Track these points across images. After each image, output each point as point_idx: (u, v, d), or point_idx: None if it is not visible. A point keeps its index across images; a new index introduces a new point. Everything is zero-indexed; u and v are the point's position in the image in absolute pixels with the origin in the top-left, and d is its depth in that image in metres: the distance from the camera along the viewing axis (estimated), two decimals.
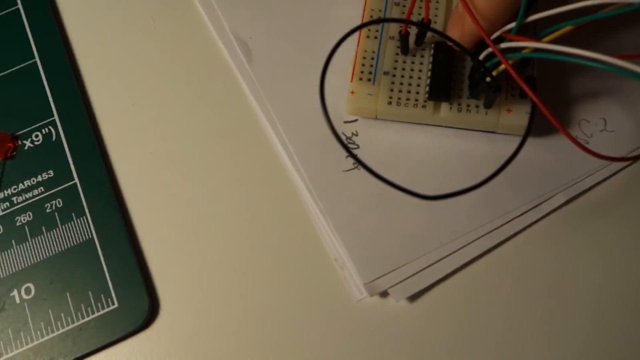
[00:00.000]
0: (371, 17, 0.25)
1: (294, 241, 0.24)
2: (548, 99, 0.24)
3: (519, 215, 0.23)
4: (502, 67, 0.21)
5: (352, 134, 0.25)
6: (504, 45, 0.20)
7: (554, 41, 0.20)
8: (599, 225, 0.23)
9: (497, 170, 0.19)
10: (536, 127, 0.21)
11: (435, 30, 0.22)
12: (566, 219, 0.23)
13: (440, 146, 0.24)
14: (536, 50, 0.20)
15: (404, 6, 0.25)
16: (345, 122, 0.25)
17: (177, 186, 0.25)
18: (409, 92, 0.24)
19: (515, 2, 0.19)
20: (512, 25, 0.20)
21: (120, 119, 0.27)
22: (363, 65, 0.24)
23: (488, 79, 0.21)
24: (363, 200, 0.24)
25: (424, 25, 0.23)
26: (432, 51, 0.24)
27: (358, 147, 0.25)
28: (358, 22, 0.25)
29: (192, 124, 0.26)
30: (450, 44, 0.22)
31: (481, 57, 0.22)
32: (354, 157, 0.19)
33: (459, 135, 0.24)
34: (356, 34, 0.25)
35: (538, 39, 0.20)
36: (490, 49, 0.21)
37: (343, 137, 0.25)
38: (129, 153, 0.26)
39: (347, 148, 0.18)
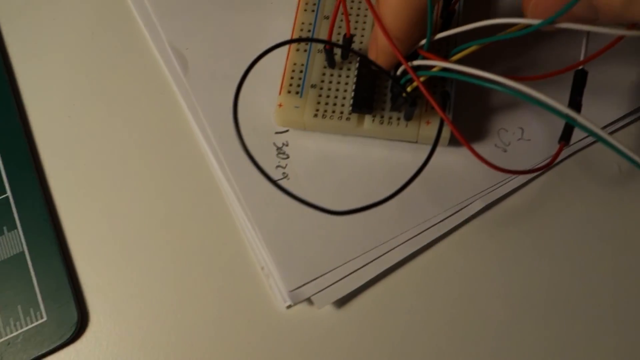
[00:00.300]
0: (301, 30, 0.26)
1: (222, 251, 0.24)
2: (468, 109, 0.25)
3: (439, 222, 0.24)
4: (415, 83, 0.22)
5: (283, 144, 0.26)
6: (416, 62, 0.21)
7: (462, 60, 0.21)
8: (513, 232, 0.24)
9: (404, 184, 0.20)
10: (454, 136, 0.22)
11: (353, 50, 0.22)
12: (484, 226, 0.24)
13: (366, 156, 0.25)
14: (444, 69, 0.20)
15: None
16: (276, 132, 0.26)
17: (110, 199, 0.25)
18: (334, 104, 0.24)
19: (422, 21, 0.20)
20: (424, 41, 0.21)
21: (56, 131, 0.27)
22: (292, 78, 0.25)
23: (404, 94, 0.22)
24: (290, 210, 0.24)
25: (344, 45, 0.24)
26: (357, 65, 0.25)
27: (288, 157, 0.25)
28: (289, 32, 0.26)
29: (126, 136, 0.27)
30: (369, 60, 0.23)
31: (398, 72, 0.22)
32: (263, 172, 0.19)
33: (384, 145, 0.25)
34: (285, 47, 0.26)
35: (449, 56, 0.21)
36: (404, 66, 0.22)
37: (274, 148, 0.26)
38: (63, 165, 0.26)
39: (257, 165, 0.19)
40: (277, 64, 0.27)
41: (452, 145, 0.25)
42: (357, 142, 0.25)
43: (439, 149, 0.25)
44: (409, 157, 0.25)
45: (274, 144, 0.26)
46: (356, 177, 0.25)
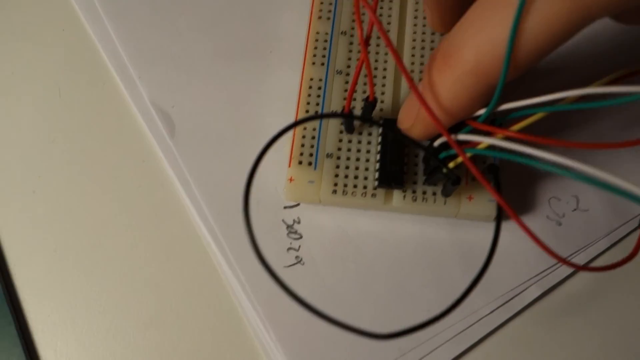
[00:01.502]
0: (310, 87, 0.22)
1: (230, 350, 0.20)
2: (514, 177, 0.22)
3: (488, 314, 0.20)
4: (459, 159, 0.18)
5: (294, 221, 0.22)
6: (462, 137, 0.18)
7: (522, 130, 0.17)
8: (577, 322, 0.20)
9: (465, 291, 0.16)
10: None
11: (377, 122, 0.19)
12: (542, 316, 0.21)
13: (394, 234, 0.21)
14: (494, 147, 0.17)
15: (348, 74, 0.22)
16: (285, 207, 0.22)
17: (87, 289, 0.21)
18: (356, 177, 0.21)
19: (485, 98, 0.16)
20: (481, 111, 0.18)
21: (20, 210, 0.22)
22: (302, 146, 0.21)
23: (445, 170, 0.19)
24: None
25: (365, 114, 0.20)
26: (380, 129, 0.21)
27: (301, 236, 0.22)
28: (295, 87, 0.22)
29: (104, 215, 0.22)
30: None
31: (436, 144, 0.19)
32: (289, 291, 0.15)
33: (414, 220, 0.22)
34: (292, 103, 0.22)
35: (502, 123, 0.18)
36: (444, 139, 0.18)
37: (284, 226, 0.22)
38: (30, 251, 0.22)
39: (279, 280, 0.15)
40: (282, 123, 0.23)
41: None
42: (381, 216, 0.22)
43: (478, 225, 0.21)
44: (445, 234, 0.21)
45: (284, 221, 0.22)
46: (384, 259, 0.21)
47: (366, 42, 0.18)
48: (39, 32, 0.25)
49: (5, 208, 0.22)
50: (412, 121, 0.18)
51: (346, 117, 0.20)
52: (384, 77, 0.22)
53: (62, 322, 0.21)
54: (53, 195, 0.23)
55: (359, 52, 0.22)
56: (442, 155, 0.19)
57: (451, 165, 0.18)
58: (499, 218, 0.17)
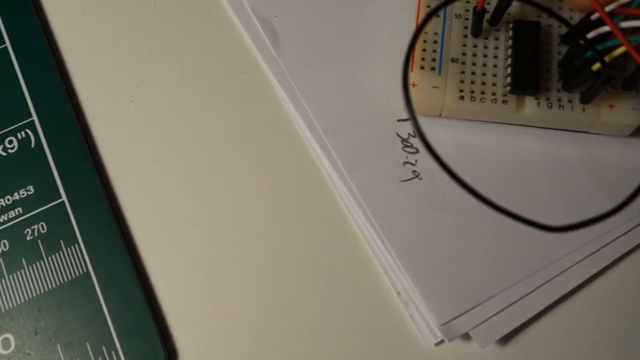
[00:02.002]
0: None
1: (342, 269, 0.19)
2: None
3: (625, 233, 0.19)
4: (618, 51, 0.17)
5: (409, 134, 0.20)
6: (626, 24, 0.16)
7: None
8: None
9: (633, 192, 0.15)
10: None
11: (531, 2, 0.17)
12: None
13: (518, 149, 0.20)
14: None
15: None
16: (398, 120, 0.21)
17: (193, 203, 0.20)
18: (483, 83, 0.19)
19: None
20: None
21: (117, 119, 0.21)
22: (424, 50, 0.20)
23: (597, 66, 0.17)
24: (429, 220, 0.19)
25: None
26: (510, 32, 0.19)
27: (417, 151, 0.20)
28: None
29: (208, 123, 0.21)
30: (548, 16, 0.17)
31: (590, 35, 0.17)
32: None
33: (538, 135, 0.20)
34: (413, 10, 0.20)
35: None
36: (603, 28, 0.16)
37: (398, 139, 0.20)
38: (130, 161, 0.21)
39: (448, 169, 0.14)
40: (394, 31, 0.21)
41: (634, 136, 0.19)
42: (499, 130, 0.20)
43: (609, 141, 0.20)
44: (573, 151, 0.20)
45: (397, 134, 0.20)
46: (507, 174, 0.20)
47: None
48: None
49: (103, 116, 0.21)
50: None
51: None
52: None
53: (165, 232, 0.20)
54: (152, 105, 0.22)
55: None
56: (590, 54, 0.17)
57: (607, 59, 0.17)
58: None
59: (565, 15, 0.20)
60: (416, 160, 0.20)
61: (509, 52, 0.19)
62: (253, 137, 0.21)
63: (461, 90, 0.19)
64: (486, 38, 0.20)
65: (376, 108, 0.21)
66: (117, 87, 0.22)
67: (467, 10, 0.20)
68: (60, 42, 0.23)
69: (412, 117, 0.14)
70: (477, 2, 0.19)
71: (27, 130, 0.21)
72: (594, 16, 0.17)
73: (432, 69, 0.19)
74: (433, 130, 0.20)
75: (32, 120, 0.21)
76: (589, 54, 0.17)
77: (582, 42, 0.17)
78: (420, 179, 0.20)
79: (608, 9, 0.17)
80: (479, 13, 0.19)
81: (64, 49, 0.22)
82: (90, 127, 0.21)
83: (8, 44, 0.22)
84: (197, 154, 0.21)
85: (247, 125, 0.21)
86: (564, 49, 0.19)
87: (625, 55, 0.16)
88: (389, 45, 0.21)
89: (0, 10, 0.23)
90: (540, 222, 0.14)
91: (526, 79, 0.18)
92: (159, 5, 0.23)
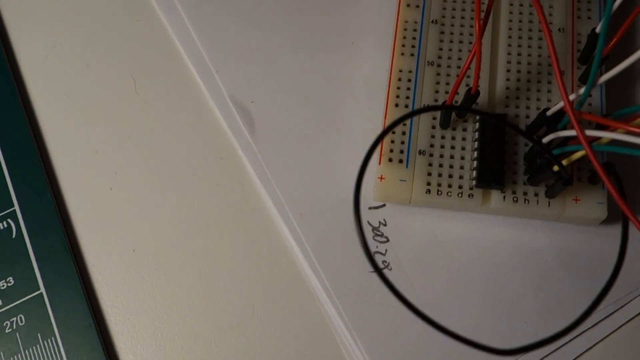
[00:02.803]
0: (399, 79, 0.21)
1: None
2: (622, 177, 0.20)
3: (592, 327, 0.19)
4: (577, 155, 0.17)
5: (380, 223, 0.21)
6: (591, 132, 0.16)
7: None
8: None
9: (593, 302, 0.15)
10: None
11: (487, 114, 0.17)
12: None
13: (488, 237, 0.20)
14: (616, 143, 0.15)
15: (439, 65, 0.21)
16: (370, 207, 0.21)
17: (167, 291, 0.20)
18: (450, 176, 0.19)
19: None
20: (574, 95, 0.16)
21: (96, 207, 0.22)
22: (392, 142, 0.20)
23: (556, 167, 0.17)
24: (398, 312, 0.19)
25: (466, 108, 0.18)
26: (476, 124, 0.20)
27: (387, 240, 0.20)
28: (379, 80, 0.21)
29: (185, 211, 0.22)
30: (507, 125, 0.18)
31: (545, 140, 0.17)
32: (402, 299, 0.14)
33: (510, 223, 0.20)
34: (382, 102, 0.20)
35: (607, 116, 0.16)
36: (562, 133, 0.17)
37: (369, 228, 0.21)
38: (107, 251, 0.21)
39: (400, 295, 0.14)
40: (367, 118, 0.22)
41: (607, 224, 0.19)
42: (472, 219, 0.20)
43: (580, 229, 0.20)
44: (545, 238, 0.20)
45: (369, 222, 0.21)
46: (477, 265, 0.20)
47: (484, 25, 0.17)
48: (113, 23, 0.25)
49: (82, 206, 0.22)
50: None
51: (452, 109, 0.19)
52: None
53: (142, 325, 0.20)
54: (131, 192, 0.22)
55: (450, 41, 0.21)
56: (556, 152, 0.17)
57: (565, 162, 0.17)
58: (626, 227, 0.15)
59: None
60: (386, 250, 0.20)
61: (476, 144, 0.19)
62: (228, 226, 0.21)
63: (428, 184, 0.19)
64: (454, 129, 0.20)
65: (348, 195, 0.21)
66: (97, 174, 0.22)
67: (436, 100, 0.20)
68: (44, 128, 0.23)
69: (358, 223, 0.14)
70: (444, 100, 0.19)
71: (9, 220, 0.22)
72: (550, 112, 0.18)
73: (400, 161, 0.20)
74: (403, 218, 0.21)
75: (14, 210, 0.22)
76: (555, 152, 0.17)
77: (537, 148, 0.17)
78: (390, 269, 0.20)
79: (555, 109, 0.17)
80: (447, 107, 0.19)
81: (47, 135, 0.23)
82: (70, 215, 0.22)
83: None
84: (173, 242, 0.21)
85: (223, 213, 0.21)
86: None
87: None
88: (361, 133, 0.22)
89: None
90: (489, 345, 0.14)
91: (491, 175, 0.19)
92: (139, 91, 0.24)
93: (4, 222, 0.22)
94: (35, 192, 0.22)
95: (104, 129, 0.23)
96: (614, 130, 0.15)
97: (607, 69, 0.16)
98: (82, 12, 0.25)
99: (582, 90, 0.16)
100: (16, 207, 0.22)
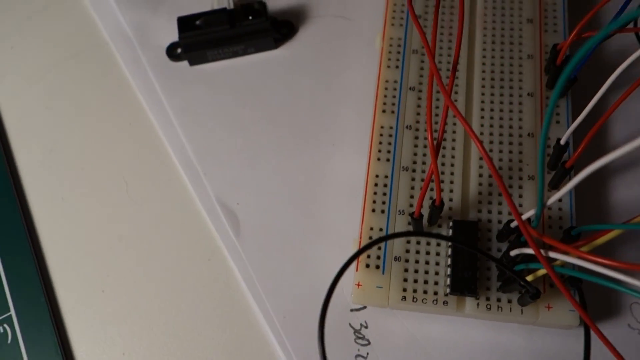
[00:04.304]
0: (375, 185, 0.22)
1: None
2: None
3: None
4: (541, 272, 0.17)
5: (362, 325, 0.21)
6: (554, 254, 0.17)
7: (598, 248, 0.16)
8: None
9: None
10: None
11: (446, 238, 0.18)
12: None
13: (467, 340, 0.20)
14: (570, 266, 0.16)
15: (414, 170, 0.22)
16: (352, 310, 0.21)
17: None
18: (425, 282, 0.20)
19: None
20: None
21: (88, 309, 0.23)
22: (369, 248, 0.21)
23: (522, 283, 0.18)
24: None
25: (431, 234, 0.19)
26: (450, 231, 0.20)
27: (369, 342, 0.21)
28: (358, 181, 0.22)
29: (173, 313, 0.22)
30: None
31: (512, 254, 0.18)
32: None
33: (489, 326, 0.20)
34: (359, 201, 0.21)
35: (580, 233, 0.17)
36: (527, 249, 0.17)
37: (350, 331, 0.21)
38: (99, 353, 0.22)
39: None
40: (347, 218, 0.22)
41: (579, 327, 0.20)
42: (452, 321, 0.21)
43: (557, 332, 0.20)
44: (522, 341, 0.20)
45: (350, 325, 0.21)
46: None
47: (437, 150, 0.17)
48: (106, 126, 0.26)
49: (74, 308, 0.23)
50: None
51: (415, 235, 0.20)
52: (452, 174, 0.21)
53: None
54: (121, 294, 0.23)
55: (425, 146, 0.22)
56: (519, 267, 0.18)
57: (529, 278, 0.17)
58: (588, 341, 0.16)
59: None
60: (367, 354, 0.21)
61: (449, 251, 0.20)
62: (216, 328, 0.22)
63: (404, 290, 0.20)
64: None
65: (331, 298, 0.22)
66: (89, 276, 0.23)
67: (412, 206, 0.21)
68: (40, 230, 0.24)
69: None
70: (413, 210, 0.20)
71: (5, 325, 0.22)
72: (513, 224, 0.18)
73: (377, 267, 0.20)
74: (384, 320, 0.21)
75: (10, 315, 0.23)
76: (518, 267, 0.18)
77: (498, 266, 0.18)
78: None
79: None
80: (416, 219, 0.20)
81: (43, 238, 0.24)
82: (63, 318, 0.23)
83: None
84: (162, 344, 0.22)
85: (211, 315, 0.22)
86: (504, 245, 0.20)
87: None
88: (342, 233, 0.22)
89: None
90: None
91: (464, 283, 0.19)
92: (131, 193, 0.25)
93: (0, 327, 0.22)
94: (31, 296, 0.23)
95: (97, 231, 0.24)
96: (572, 255, 0.16)
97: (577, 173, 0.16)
98: (77, 116, 0.26)
99: (552, 198, 0.17)
100: (12, 311, 0.23)
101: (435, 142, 0.17)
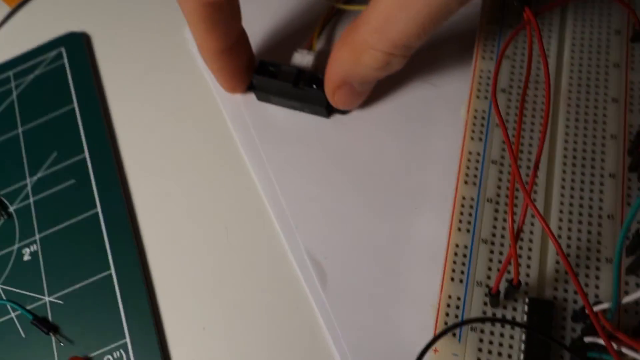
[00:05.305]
0: (455, 254, 0.23)
1: None
2: None
3: None
4: None
5: None
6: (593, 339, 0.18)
7: None
8: None
9: None
10: None
11: (521, 324, 0.19)
12: None
13: None
14: None
15: (493, 243, 0.23)
16: None
17: None
18: (499, 354, 0.21)
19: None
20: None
21: (189, 349, 0.26)
22: (447, 315, 0.22)
23: None
24: None
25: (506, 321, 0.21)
26: (525, 307, 0.21)
27: None
28: (439, 247, 0.24)
29: (264, 356, 0.25)
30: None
31: (586, 340, 0.19)
32: None
33: None
34: (439, 265, 0.23)
35: None
36: (594, 338, 0.18)
37: None
38: None
39: None
40: (426, 280, 0.24)
41: None
42: None
43: None
44: None
45: None
46: None
47: (517, 236, 0.19)
48: (211, 174, 0.29)
49: (182, 349, 0.26)
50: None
51: (490, 320, 0.21)
52: (530, 249, 0.23)
53: None
54: (221, 332, 0.26)
55: (504, 220, 0.23)
56: (592, 354, 0.19)
57: None
58: None
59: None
60: None
61: (523, 335, 0.21)
62: None
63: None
64: (505, 308, 0.22)
65: (408, 357, 0.23)
66: (192, 313, 0.26)
67: (489, 278, 0.22)
68: (153, 268, 0.28)
69: None
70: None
71: (121, 351, 0.26)
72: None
73: (454, 334, 0.22)
74: None
75: (125, 342, 0.26)
76: (591, 354, 0.19)
77: (571, 355, 0.19)
78: None
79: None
80: (493, 294, 0.21)
81: (155, 277, 0.27)
82: (170, 350, 0.26)
83: (113, 271, 0.28)
84: None
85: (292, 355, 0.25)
86: (579, 326, 0.21)
87: None
88: (423, 295, 0.24)
89: (109, 238, 0.28)
90: None
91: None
92: (230, 238, 0.27)
93: (117, 352, 0.26)
94: (143, 327, 0.26)
95: (201, 273, 0.27)
96: None
97: None
98: (187, 164, 0.30)
99: (628, 297, 0.18)
100: (127, 339, 0.26)
101: (515, 228, 0.19)
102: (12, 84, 0.34)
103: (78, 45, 0.34)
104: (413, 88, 0.28)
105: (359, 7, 0.30)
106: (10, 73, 0.34)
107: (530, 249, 0.22)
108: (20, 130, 0.32)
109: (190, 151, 0.30)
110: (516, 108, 0.25)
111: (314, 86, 0.27)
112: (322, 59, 0.29)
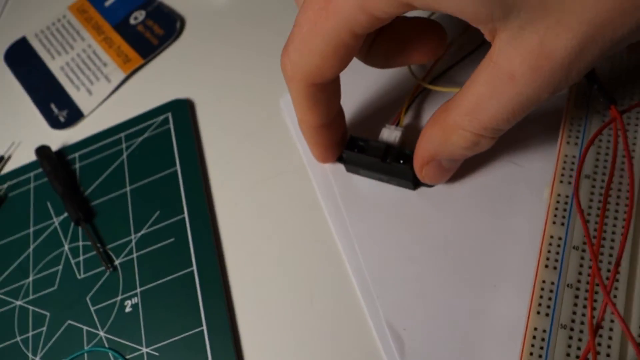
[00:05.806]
0: (533, 337, 0.24)
1: None
2: None
3: None
4: None
5: None
6: None
7: None
8: None
9: None
10: None
11: None
12: None
13: None
14: None
15: (572, 329, 0.23)
16: None
17: None
18: None
19: None
20: None
21: None
22: None
23: None
24: None
25: None
26: None
27: None
28: (517, 325, 0.24)
29: None
30: None
31: None
32: None
33: None
34: (517, 345, 0.23)
35: None
36: None
37: None
38: None
39: None
40: (503, 358, 0.25)
41: None
42: None
43: None
44: None
45: None
46: None
47: (595, 331, 0.19)
48: (298, 240, 0.31)
49: None
50: None
51: None
52: (609, 347, 0.22)
53: None
54: None
55: (584, 306, 0.24)
56: None
57: None
58: None
59: None
60: None
61: None
62: None
63: None
64: None
65: None
66: None
67: None
68: (240, 325, 0.30)
69: None
70: None
71: None
72: None
73: None
74: None
75: None
76: None
77: None
78: None
79: None
80: None
81: (244, 341, 0.29)
82: None
83: (205, 327, 0.30)
84: None
85: None
86: None
87: None
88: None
89: (203, 295, 0.31)
90: None
91: None
92: (314, 304, 0.29)
93: None
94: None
95: (286, 334, 0.29)
96: None
97: None
98: (277, 227, 0.32)
99: None
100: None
101: (594, 323, 0.19)
102: (123, 145, 0.38)
103: (183, 111, 0.38)
104: (497, 166, 0.30)
105: (442, 88, 0.32)
106: (122, 135, 0.38)
107: (609, 346, 0.23)
108: (128, 188, 0.36)
109: (280, 216, 0.32)
110: (600, 195, 0.26)
111: (401, 161, 0.29)
112: (409, 134, 0.31)
